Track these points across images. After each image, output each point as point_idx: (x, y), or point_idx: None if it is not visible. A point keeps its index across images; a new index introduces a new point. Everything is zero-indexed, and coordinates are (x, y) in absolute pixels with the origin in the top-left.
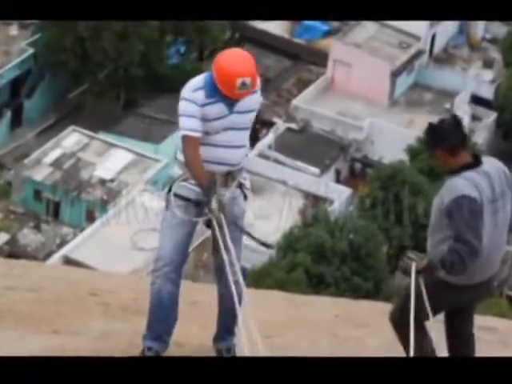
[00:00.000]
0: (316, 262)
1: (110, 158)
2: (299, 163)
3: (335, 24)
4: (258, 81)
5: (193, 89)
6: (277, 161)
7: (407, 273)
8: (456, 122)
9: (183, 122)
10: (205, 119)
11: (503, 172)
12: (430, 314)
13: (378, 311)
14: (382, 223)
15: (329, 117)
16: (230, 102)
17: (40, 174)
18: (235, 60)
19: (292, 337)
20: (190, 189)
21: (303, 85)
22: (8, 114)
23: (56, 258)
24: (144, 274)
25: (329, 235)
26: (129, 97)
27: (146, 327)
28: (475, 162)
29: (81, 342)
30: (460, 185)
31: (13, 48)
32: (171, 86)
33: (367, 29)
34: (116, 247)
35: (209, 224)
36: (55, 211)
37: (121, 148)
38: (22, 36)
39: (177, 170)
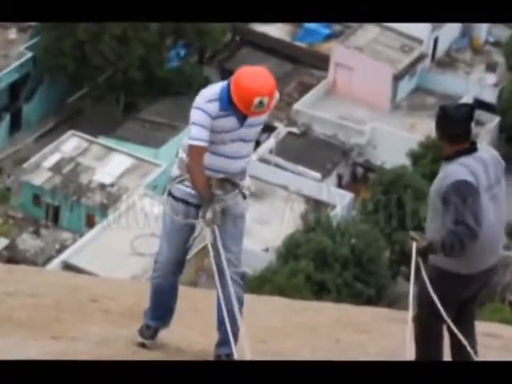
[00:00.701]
0: (317, 267)
1: (110, 162)
2: (300, 168)
3: (337, 27)
4: (276, 97)
5: (208, 99)
6: (278, 165)
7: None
8: (468, 114)
9: (194, 130)
10: (214, 131)
11: (497, 160)
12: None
13: (380, 317)
14: (384, 228)
15: (330, 121)
16: (242, 116)
17: (39, 179)
18: (256, 78)
19: (292, 342)
20: (186, 191)
21: (304, 89)
22: (7, 118)
23: (55, 263)
24: (144, 280)
25: (330, 240)
26: (128, 101)
27: (148, 307)
28: (471, 148)
29: (80, 348)
30: (456, 170)
31: (11, 51)
32: (171, 90)
33: (369, 32)
34: (116, 252)
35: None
36: (54, 216)
37: (120, 152)
38: (21, 39)
39: (175, 170)
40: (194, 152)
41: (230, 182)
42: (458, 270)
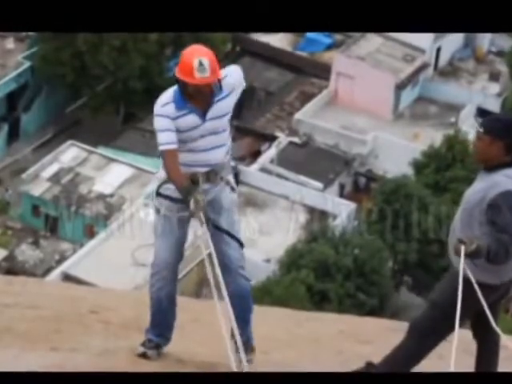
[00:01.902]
0: (319, 278)
1: (110, 172)
2: (302, 178)
3: (338, 37)
4: (220, 72)
5: (163, 104)
6: (279, 175)
7: (458, 254)
8: None
9: (159, 136)
10: (180, 130)
11: None
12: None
13: (383, 328)
14: (387, 238)
15: (332, 130)
16: (202, 111)
17: (38, 189)
18: (191, 49)
19: (294, 354)
20: (172, 189)
21: (306, 98)
22: (5, 128)
23: (55, 274)
24: (145, 291)
25: (333, 251)
26: (128, 111)
27: (149, 323)
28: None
29: (80, 360)
30: (505, 182)
31: (9, 61)
32: None
33: (371, 42)
34: (116, 263)
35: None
36: (54, 226)
37: (120, 162)
38: (19, 49)
39: (161, 173)
40: (167, 156)
41: (215, 174)
42: (486, 279)
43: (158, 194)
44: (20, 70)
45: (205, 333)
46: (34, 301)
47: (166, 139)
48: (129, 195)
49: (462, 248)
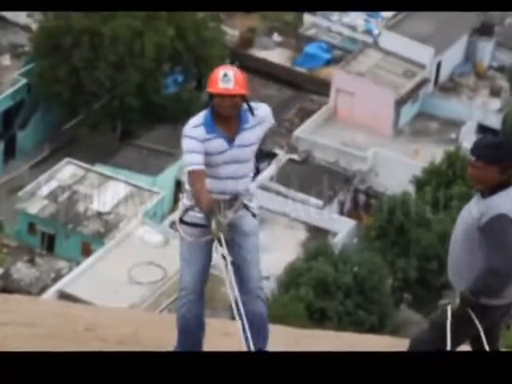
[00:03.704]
0: (319, 296)
1: (107, 190)
2: (302, 195)
3: (337, 52)
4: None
5: (193, 125)
6: (279, 193)
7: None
8: None
9: (187, 157)
10: (207, 153)
11: None
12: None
13: (383, 345)
14: (387, 255)
15: (332, 147)
16: (230, 137)
17: (35, 207)
18: (221, 66)
19: None
20: (196, 215)
21: (305, 115)
22: (1, 145)
23: (51, 292)
24: (143, 308)
25: (332, 268)
26: (125, 128)
27: (177, 343)
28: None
29: None
30: (501, 203)
31: (5, 78)
32: (169, 117)
33: (370, 57)
34: (113, 281)
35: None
36: (50, 244)
37: (117, 180)
38: (15, 66)
39: (185, 201)
40: (194, 176)
41: (238, 201)
42: (492, 302)
43: (182, 222)
44: (16, 86)
45: None
46: (30, 319)
47: (193, 160)
48: (126, 213)
49: (449, 309)
